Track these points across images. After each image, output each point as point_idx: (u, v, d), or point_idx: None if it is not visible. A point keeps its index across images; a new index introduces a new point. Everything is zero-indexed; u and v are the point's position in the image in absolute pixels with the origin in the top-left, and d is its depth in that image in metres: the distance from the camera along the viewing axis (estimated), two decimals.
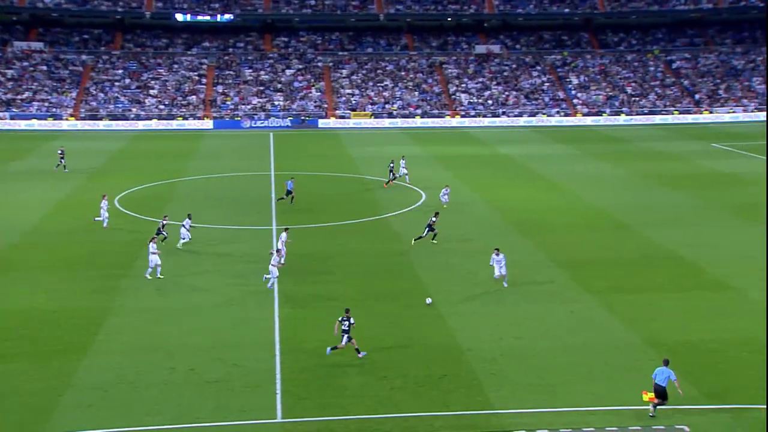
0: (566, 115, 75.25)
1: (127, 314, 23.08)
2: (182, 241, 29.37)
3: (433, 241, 30.30)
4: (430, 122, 73.58)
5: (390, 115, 74.67)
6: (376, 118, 73.66)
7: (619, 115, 74.70)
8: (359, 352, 19.84)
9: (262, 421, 16.88)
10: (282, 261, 26.36)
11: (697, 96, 77.18)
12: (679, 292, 24.58)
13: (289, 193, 37.36)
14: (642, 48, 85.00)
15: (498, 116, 75.25)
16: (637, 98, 77.19)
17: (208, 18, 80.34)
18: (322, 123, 72.00)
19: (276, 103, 75.45)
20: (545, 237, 31.64)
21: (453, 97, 78.55)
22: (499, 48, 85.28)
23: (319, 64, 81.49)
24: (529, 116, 75.04)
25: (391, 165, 42.53)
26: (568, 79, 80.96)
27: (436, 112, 75.81)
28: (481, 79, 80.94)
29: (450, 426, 16.66)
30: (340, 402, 17.72)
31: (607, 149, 56.81)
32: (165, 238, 29.18)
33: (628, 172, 46.39)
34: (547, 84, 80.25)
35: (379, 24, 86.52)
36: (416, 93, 78.27)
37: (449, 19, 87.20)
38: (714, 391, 17.74)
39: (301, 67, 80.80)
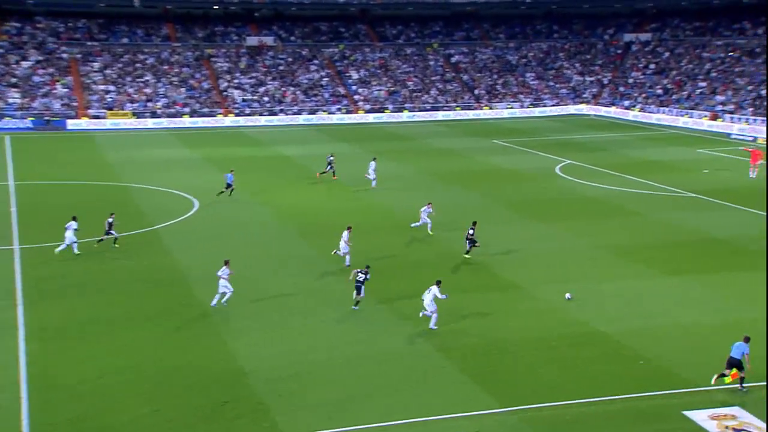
0: (348, 111, 77.59)
1: None
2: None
3: (466, 256, 29.66)
4: (200, 122, 71.84)
5: (154, 115, 71.76)
6: (137, 118, 70.37)
7: (402, 111, 78.60)
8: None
9: None
10: (347, 262, 28.06)
11: (476, 91, 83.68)
12: (471, 292, 26.28)
13: (228, 186, 39.36)
14: (421, 41, 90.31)
15: (276, 114, 75.55)
16: (419, 93, 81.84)
17: None
18: (71, 124, 67.27)
19: (11, 100, 69.02)
20: (331, 242, 32.22)
21: (225, 93, 77.42)
22: (273, 40, 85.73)
23: (64, 55, 76.02)
24: (309, 114, 76.25)
25: (331, 158, 44.65)
26: (347, 74, 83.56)
27: (206, 110, 74.20)
28: (254, 74, 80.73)
29: None
30: None
31: (392, 147, 59.41)
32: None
33: (414, 171, 48.85)
34: (326, 79, 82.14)
35: (134, 11, 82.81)
36: (183, 89, 76.03)
37: (216, 7, 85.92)
38: (505, 393, 19.13)
39: (41, 58, 74.76)
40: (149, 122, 70.42)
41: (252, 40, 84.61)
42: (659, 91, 79.12)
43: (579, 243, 31.88)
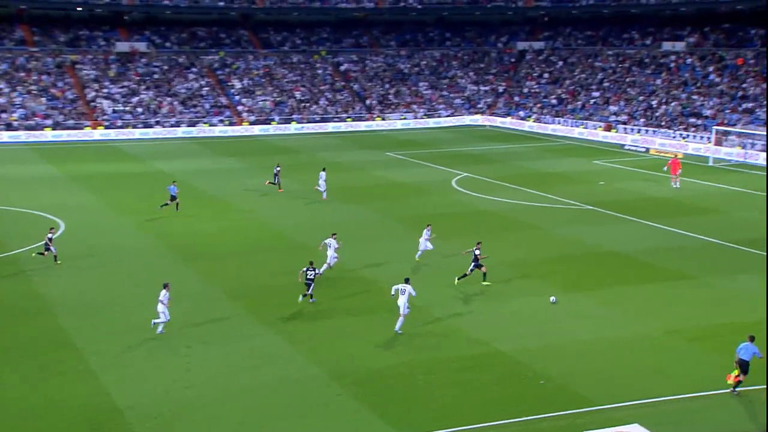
0: (231, 123, 76.77)
1: None
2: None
3: (485, 283, 28.82)
4: (65, 135, 69.30)
5: (9, 127, 68.62)
6: None
7: (289, 122, 78.45)
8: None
9: None
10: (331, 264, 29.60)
11: (368, 101, 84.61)
12: (363, 314, 26.44)
13: (173, 198, 40.15)
14: (308, 49, 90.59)
15: (151, 126, 73.88)
16: (308, 104, 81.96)
17: None
18: None
19: None
20: (214, 264, 31.76)
21: (92, 104, 74.99)
22: (146, 46, 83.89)
23: None
24: (189, 126, 74.97)
25: (277, 169, 46.47)
26: (230, 83, 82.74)
27: (71, 122, 71.61)
28: (126, 83, 78.67)
29: None
30: None
31: (280, 161, 59.14)
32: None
33: (303, 186, 48.80)
34: (206, 89, 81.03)
35: None
36: (43, 99, 73.13)
37: (79, 8, 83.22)
38: (403, 420, 19.33)
39: None
40: (4, 135, 67.34)
41: (122, 46, 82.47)
42: (554, 101, 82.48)
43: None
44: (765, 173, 52.89)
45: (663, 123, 69.25)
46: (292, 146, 67.50)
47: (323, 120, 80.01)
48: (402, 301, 24.45)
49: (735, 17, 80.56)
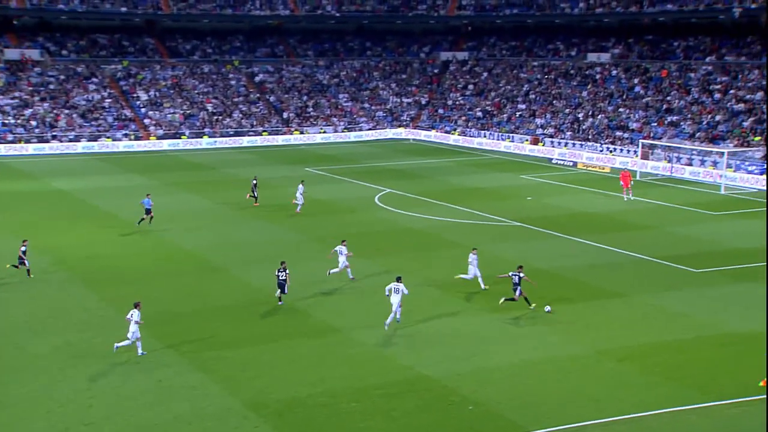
0: (137, 138, 75.49)
1: None
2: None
3: (531, 307, 28.48)
4: None
5: None
6: None
7: (201, 137, 77.59)
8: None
9: None
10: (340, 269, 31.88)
11: (285, 114, 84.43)
12: (282, 340, 26.25)
13: (148, 212, 41.02)
14: (220, 58, 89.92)
15: (47, 141, 72.07)
16: (220, 117, 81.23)
17: None
18: None
19: None
20: (120, 289, 31.05)
21: None
22: (40, 53, 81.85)
23: None
24: (90, 140, 73.44)
25: (254, 182, 47.42)
26: (135, 95, 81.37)
27: None
28: (18, 94, 76.50)
29: None
30: None
31: (191, 178, 58.40)
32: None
33: (216, 205, 48.31)
34: (108, 100, 79.49)
35: None
36: None
37: None
38: None
39: None
40: None
41: (12, 53, 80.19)
42: (479, 114, 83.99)
43: (403, 279, 32.89)
44: (690, 188, 55.08)
45: (590, 136, 71.33)
46: (204, 162, 66.71)
47: (237, 134, 79.41)
48: (395, 300, 26.21)
49: (658, 29, 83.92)
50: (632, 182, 51.07)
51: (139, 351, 24.59)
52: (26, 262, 32.17)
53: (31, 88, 77.46)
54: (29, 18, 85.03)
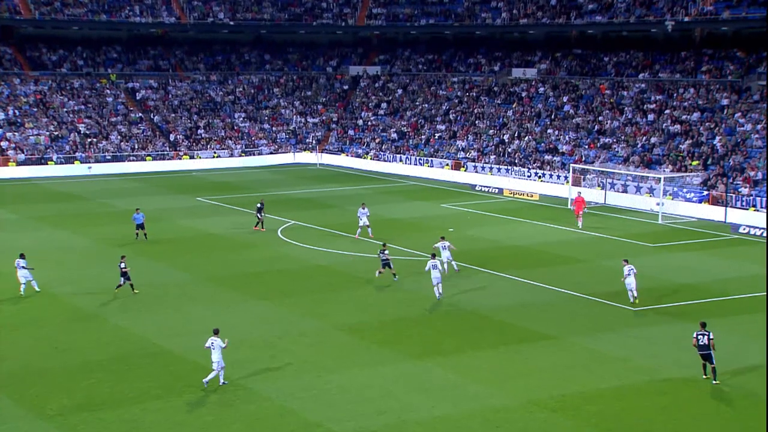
0: None
1: None
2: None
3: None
4: None
5: None
6: None
7: (72, 162, 75.93)
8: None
9: None
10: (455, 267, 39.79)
11: (172, 136, 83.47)
12: (168, 397, 25.77)
13: (140, 227, 46.24)
14: (94, 71, 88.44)
15: None
16: (96, 139, 79.71)
17: None
18: None
19: None
20: None
21: None
22: None
23: None
24: None
25: (259, 205, 49.83)
26: None
27: None
28: None
29: None
30: None
31: (60, 210, 57.03)
32: None
33: (90, 241, 47.27)
34: None
35: None
36: None
37: None
38: None
39: None
40: None
41: None
42: (394, 135, 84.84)
43: (306, 324, 32.79)
44: (628, 217, 56.77)
45: (516, 160, 72.84)
46: (76, 191, 65.30)
47: (116, 159, 78.02)
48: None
49: (587, 42, 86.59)
50: (585, 209, 52.92)
51: (221, 380, 26.42)
52: (128, 277, 35.77)
53: None
54: None
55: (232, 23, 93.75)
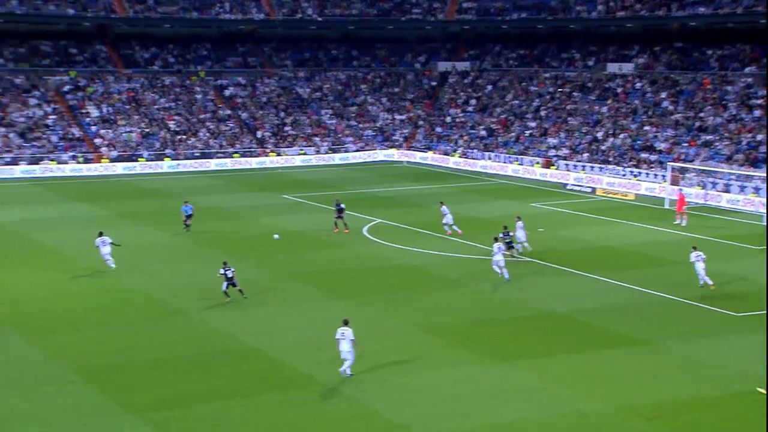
0: (86, 161, 75.62)
1: None
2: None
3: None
4: None
5: None
6: None
7: (161, 159, 77.71)
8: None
9: None
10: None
11: (259, 133, 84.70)
12: (249, 397, 26.16)
13: (188, 217, 48.23)
14: (184, 68, 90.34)
15: None
16: (184, 136, 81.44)
17: None
18: None
19: None
20: (62, 337, 31.00)
21: None
22: None
23: None
24: (30, 164, 73.64)
25: (341, 205, 49.72)
26: (84, 111, 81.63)
27: None
28: None
29: None
30: None
31: (147, 207, 58.39)
32: None
33: (179, 238, 48.29)
34: (53, 117, 79.74)
35: None
36: None
37: None
38: None
39: None
40: None
41: None
42: (483, 133, 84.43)
43: (389, 324, 32.87)
44: (731, 218, 55.32)
45: (610, 158, 71.74)
46: (164, 189, 66.78)
47: (204, 156, 79.57)
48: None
49: (688, 36, 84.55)
50: (686, 206, 52.71)
51: (348, 372, 27.01)
52: (234, 282, 35.09)
53: None
54: None
55: (320, 19, 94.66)
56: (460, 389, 26.72)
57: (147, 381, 27.18)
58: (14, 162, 73.23)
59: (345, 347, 26.92)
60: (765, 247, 42.77)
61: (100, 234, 39.99)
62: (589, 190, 66.29)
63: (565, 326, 32.95)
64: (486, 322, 33.50)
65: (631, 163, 69.80)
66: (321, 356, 28.98)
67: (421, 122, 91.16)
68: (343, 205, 50.19)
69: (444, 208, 48.89)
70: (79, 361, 28.72)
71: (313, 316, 33.92)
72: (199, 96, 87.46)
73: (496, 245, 38.91)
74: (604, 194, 64.76)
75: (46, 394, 25.97)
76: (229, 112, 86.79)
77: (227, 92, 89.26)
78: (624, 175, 68.22)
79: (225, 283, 34.88)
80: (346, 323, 27.29)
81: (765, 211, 54.00)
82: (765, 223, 52.19)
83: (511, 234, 42.57)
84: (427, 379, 27.48)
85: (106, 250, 39.36)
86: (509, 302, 36.09)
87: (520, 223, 43.61)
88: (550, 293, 37.38)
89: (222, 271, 34.71)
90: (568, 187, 68.02)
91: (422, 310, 34.87)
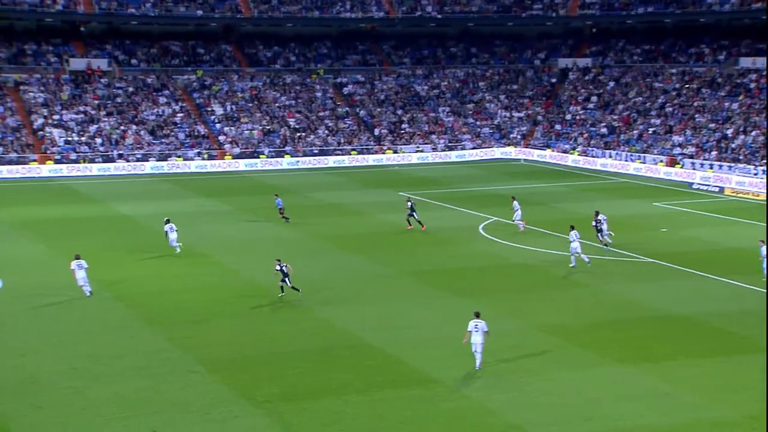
0: (211, 157, 77.52)
1: None
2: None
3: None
4: (5, 171, 70.06)
5: None
6: None
7: (281, 156, 79.06)
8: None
9: None
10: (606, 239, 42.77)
11: (377, 130, 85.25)
12: (366, 392, 26.30)
13: (281, 211, 50.58)
14: (304, 67, 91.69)
15: (112, 161, 74.69)
16: (304, 134, 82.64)
17: None
18: None
19: None
20: (188, 329, 31.77)
21: (40, 133, 75.95)
22: (107, 63, 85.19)
23: None
24: (159, 160, 75.78)
25: (410, 203, 49.31)
26: (209, 109, 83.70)
27: (14, 156, 72.39)
28: (82, 108, 79.73)
29: None
30: None
31: (269, 202, 59.48)
32: None
33: (298, 233, 48.99)
34: (180, 115, 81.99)
35: None
36: None
37: (20, 19, 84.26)
38: None
39: None
40: None
41: (78, 63, 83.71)
42: (604, 130, 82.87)
43: (507, 324, 32.57)
44: None
45: (741, 157, 69.40)
46: (284, 184, 67.77)
47: (322, 153, 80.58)
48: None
49: None
50: None
51: (477, 365, 27.41)
52: (287, 280, 34.98)
53: (97, 102, 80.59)
54: (97, 24, 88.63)
55: (439, 17, 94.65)
56: (579, 392, 26.25)
57: (268, 373, 27.61)
58: (144, 158, 75.63)
59: (477, 339, 27.09)
60: None
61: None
62: (717, 189, 64.33)
63: (688, 329, 32.05)
64: (606, 323, 32.87)
65: (763, 161, 67.34)
66: (438, 353, 28.95)
67: (539, 119, 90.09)
68: (411, 204, 49.70)
69: (515, 203, 49.03)
70: (202, 351, 29.40)
71: (430, 313, 33.90)
72: (318, 94, 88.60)
73: (573, 233, 40.15)
74: (733, 194, 62.76)
75: (171, 383, 26.68)
76: (347, 109, 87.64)
77: (346, 90, 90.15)
78: (755, 174, 65.88)
79: (282, 279, 35.09)
80: (477, 315, 27.48)
81: None
82: None
83: (600, 219, 44.06)
84: (545, 381, 27.11)
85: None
86: (630, 303, 35.33)
87: (602, 216, 44.75)
88: (672, 295, 36.46)
89: (278, 268, 34.94)
90: (694, 187, 66.17)
91: (540, 309, 34.44)
